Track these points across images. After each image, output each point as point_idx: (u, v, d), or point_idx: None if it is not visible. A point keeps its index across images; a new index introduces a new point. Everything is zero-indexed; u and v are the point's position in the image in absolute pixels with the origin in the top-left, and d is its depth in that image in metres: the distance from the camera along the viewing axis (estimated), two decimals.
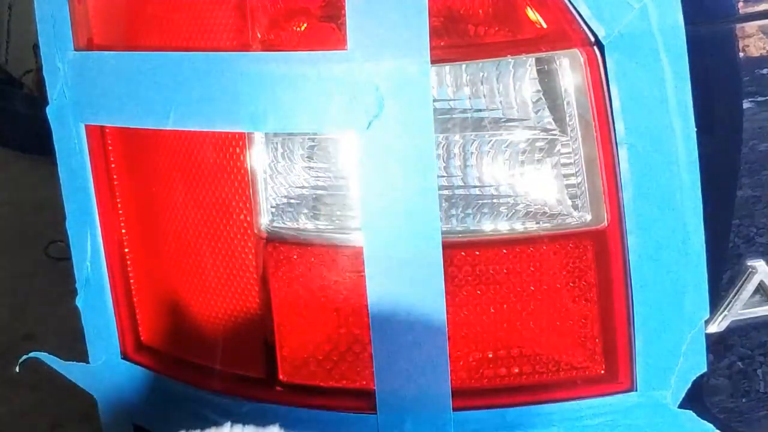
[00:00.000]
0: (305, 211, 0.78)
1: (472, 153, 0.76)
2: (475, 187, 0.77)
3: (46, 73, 0.88)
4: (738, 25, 0.81)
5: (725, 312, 0.83)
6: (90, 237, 0.89)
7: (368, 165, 0.74)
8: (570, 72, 0.75)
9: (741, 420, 0.87)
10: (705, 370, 0.79)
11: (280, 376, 0.82)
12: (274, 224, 0.79)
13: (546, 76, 0.75)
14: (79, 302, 0.92)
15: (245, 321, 0.83)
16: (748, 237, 0.83)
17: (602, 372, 0.80)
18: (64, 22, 0.86)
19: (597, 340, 0.80)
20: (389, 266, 0.75)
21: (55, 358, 0.96)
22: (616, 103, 0.74)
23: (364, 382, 0.79)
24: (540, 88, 0.76)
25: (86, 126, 0.87)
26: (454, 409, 0.77)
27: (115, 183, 0.89)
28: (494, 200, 0.77)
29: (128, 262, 0.91)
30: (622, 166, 0.75)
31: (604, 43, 0.73)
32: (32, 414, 2.20)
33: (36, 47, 0.92)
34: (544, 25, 0.74)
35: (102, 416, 0.94)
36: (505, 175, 0.77)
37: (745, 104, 0.81)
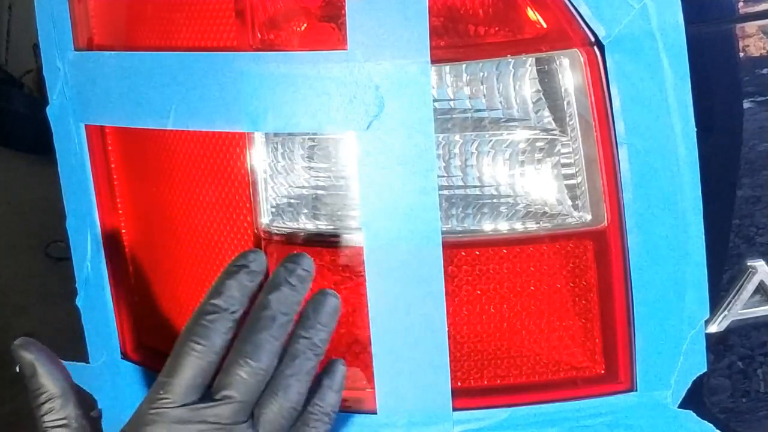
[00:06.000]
0: (305, 211, 0.78)
1: (472, 153, 0.76)
2: (475, 187, 0.77)
3: (46, 73, 0.88)
4: (738, 25, 0.81)
5: (725, 312, 0.83)
6: (90, 237, 0.89)
7: (368, 165, 0.74)
8: (570, 72, 0.75)
9: (741, 420, 0.87)
10: (705, 370, 0.79)
11: None
12: (274, 224, 0.79)
13: (546, 76, 0.75)
14: (79, 302, 0.92)
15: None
16: (748, 237, 0.83)
17: (602, 372, 0.80)
18: (64, 22, 0.86)
19: (597, 340, 0.80)
20: (389, 266, 0.75)
21: None
22: (616, 103, 0.74)
23: (364, 382, 0.79)
24: (540, 88, 0.76)
25: (86, 126, 0.87)
26: (454, 409, 0.77)
27: (115, 183, 0.89)
28: (494, 200, 0.77)
29: (128, 262, 0.91)
30: (622, 166, 0.75)
31: (604, 43, 0.73)
32: (32, 414, 2.20)
33: (36, 47, 0.91)
34: (544, 25, 0.74)
35: (102, 416, 0.94)
36: (505, 175, 0.77)
37: (745, 104, 0.81)
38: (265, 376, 0.65)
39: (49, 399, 0.68)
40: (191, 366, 0.64)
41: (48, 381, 0.69)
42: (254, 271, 0.66)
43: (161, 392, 0.64)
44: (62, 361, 0.96)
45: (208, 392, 0.65)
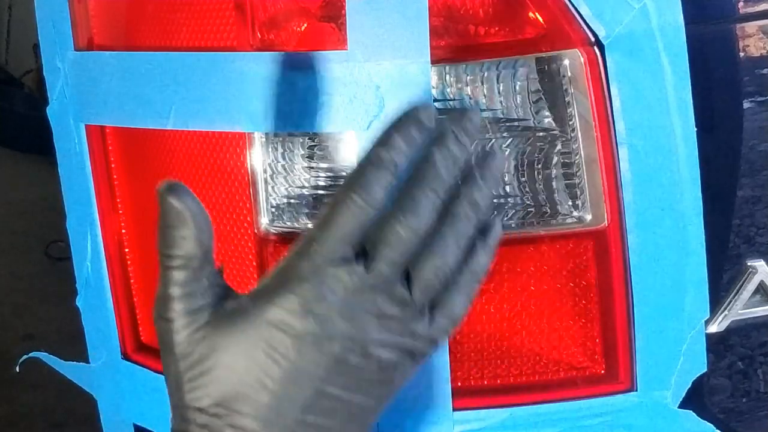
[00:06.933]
0: (305, 211, 0.78)
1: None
2: None
3: (46, 73, 0.88)
4: (738, 25, 0.81)
5: (725, 312, 0.83)
6: (90, 237, 0.89)
7: None
8: (570, 72, 0.75)
9: (741, 420, 0.87)
10: (705, 370, 0.79)
11: None
12: (274, 224, 0.79)
13: (546, 76, 0.75)
14: (79, 302, 0.92)
15: None
16: (748, 237, 0.83)
17: (602, 372, 0.80)
18: (64, 22, 0.86)
19: (597, 340, 0.80)
20: None
21: (55, 358, 0.96)
22: (616, 103, 0.74)
23: None
24: (540, 88, 0.76)
25: (86, 126, 0.87)
26: (454, 409, 0.77)
27: (115, 183, 0.89)
28: (494, 200, 0.77)
29: (128, 262, 0.91)
30: (622, 166, 0.75)
31: (604, 43, 0.73)
32: (32, 414, 2.20)
33: (36, 47, 0.92)
34: (544, 25, 0.74)
35: (102, 416, 0.94)
36: (506, 175, 0.77)
37: (745, 104, 0.81)
38: (424, 234, 0.59)
39: (187, 254, 0.59)
40: (350, 219, 0.58)
41: (192, 235, 0.60)
42: (425, 125, 0.60)
43: (314, 245, 0.58)
44: (62, 361, 0.96)
45: (361, 248, 0.59)
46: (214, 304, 0.59)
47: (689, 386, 0.79)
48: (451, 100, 0.76)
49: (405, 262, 0.59)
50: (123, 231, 0.90)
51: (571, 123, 0.75)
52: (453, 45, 0.75)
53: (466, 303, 0.61)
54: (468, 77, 0.75)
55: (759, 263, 0.83)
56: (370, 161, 0.59)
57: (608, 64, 0.73)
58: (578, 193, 0.77)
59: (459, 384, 0.79)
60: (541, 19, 0.74)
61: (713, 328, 0.83)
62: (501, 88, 0.76)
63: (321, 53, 0.74)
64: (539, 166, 0.77)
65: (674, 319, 0.77)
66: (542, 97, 0.76)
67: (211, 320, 0.58)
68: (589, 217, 0.77)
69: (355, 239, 0.58)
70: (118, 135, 0.88)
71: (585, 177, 0.76)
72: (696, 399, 0.80)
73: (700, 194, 0.75)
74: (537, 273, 0.78)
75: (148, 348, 0.92)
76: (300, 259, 0.58)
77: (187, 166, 0.82)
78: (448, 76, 0.75)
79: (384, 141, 0.59)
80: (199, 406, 0.56)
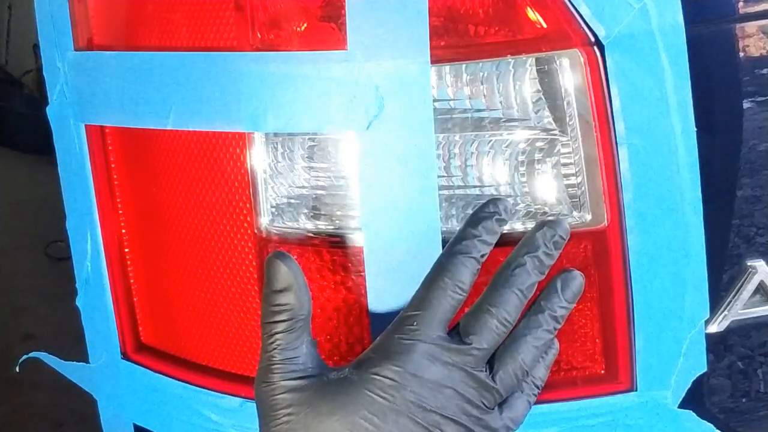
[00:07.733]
0: (305, 211, 0.78)
1: (472, 153, 0.76)
2: (475, 187, 0.77)
3: (46, 73, 0.89)
4: (738, 25, 0.81)
5: (725, 312, 0.83)
6: (90, 237, 0.89)
7: (368, 165, 0.74)
8: (570, 72, 0.75)
9: (741, 420, 0.87)
10: (705, 370, 0.79)
11: None
12: (274, 224, 0.79)
13: (546, 76, 0.75)
14: (79, 302, 0.92)
15: (245, 321, 0.83)
16: (748, 237, 0.83)
17: (602, 372, 0.80)
18: (64, 22, 0.86)
19: (597, 340, 0.80)
20: (389, 266, 0.75)
21: (55, 358, 0.96)
22: (616, 103, 0.74)
23: None
24: (540, 88, 0.76)
25: (86, 126, 0.87)
26: None
27: (115, 183, 0.89)
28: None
29: (128, 262, 0.91)
30: (622, 166, 0.75)
31: (604, 43, 0.73)
32: (32, 414, 2.20)
33: (36, 47, 0.92)
34: (544, 25, 0.74)
35: (102, 416, 0.94)
36: (505, 175, 0.77)
37: (745, 104, 0.81)
38: (508, 331, 0.66)
39: (292, 319, 0.64)
40: (444, 301, 0.64)
41: (297, 301, 0.64)
42: (503, 219, 0.67)
43: (414, 324, 0.64)
44: (62, 361, 0.96)
45: (452, 332, 0.65)
46: (315, 372, 0.64)
47: (689, 386, 0.79)
48: (451, 100, 0.76)
49: (491, 352, 0.65)
50: (123, 231, 0.90)
51: (570, 123, 0.75)
52: (453, 45, 0.75)
53: (527, 410, 0.68)
54: (468, 77, 0.75)
55: (759, 263, 0.83)
56: (459, 250, 0.65)
57: (608, 64, 0.73)
58: (578, 193, 0.77)
59: None
60: (540, 19, 0.74)
61: (713, 328, 0.83)
62: (501, 88, 0.76)
63: (321, 53, 0.74)
64: (539, 166, 0.77)
65: (674, 319, 0.77)
66: (542, 97, 0.76)
67: (314, 388, 0.63)
68: (589, 217, 0.77)
69: (447, 320, 0.65)
70: (118, 135, 0.88)
71: (585, 177, 0.76)
72: (696, 399, 0.80)
73: (700, 194, 0.75)
74: None
75: (148, 348, 0.92)
76: (400, 336, 0.64)
77: (187, 166, 0.82)
78: (448, 76, 0.75)
79: (469, 232, 0.66)
80: None
